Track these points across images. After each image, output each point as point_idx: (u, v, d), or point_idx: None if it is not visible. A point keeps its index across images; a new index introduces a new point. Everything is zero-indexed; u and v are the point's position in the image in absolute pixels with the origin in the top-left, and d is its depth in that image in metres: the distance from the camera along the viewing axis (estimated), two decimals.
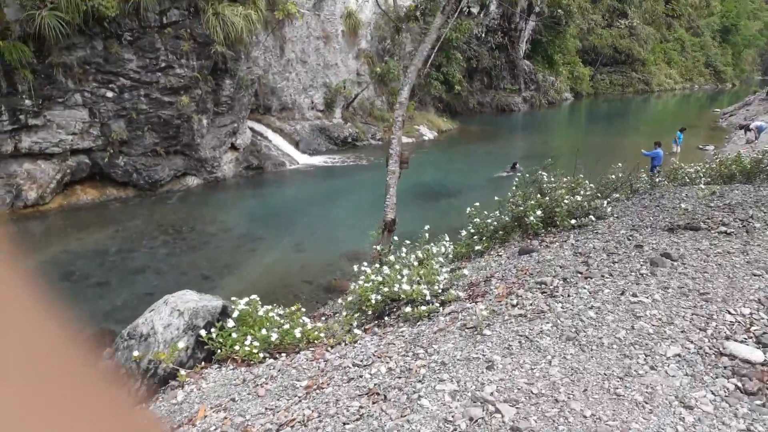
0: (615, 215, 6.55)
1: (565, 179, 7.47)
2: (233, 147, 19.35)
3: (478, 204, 7.42)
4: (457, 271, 5.56)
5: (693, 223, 5.46)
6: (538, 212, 6.24)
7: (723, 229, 5.15)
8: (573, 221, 6.22)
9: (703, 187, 6.90)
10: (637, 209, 6.74)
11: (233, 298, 4.53)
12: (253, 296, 4.60)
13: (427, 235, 5.85)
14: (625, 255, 4.63)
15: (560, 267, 4.58)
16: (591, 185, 7.37)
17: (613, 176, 8.32)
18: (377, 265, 5.45)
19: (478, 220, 6.92)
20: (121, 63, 15.19)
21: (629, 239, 5.23)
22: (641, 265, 4.28)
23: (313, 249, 13.42)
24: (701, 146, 24.78)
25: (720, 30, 77.52)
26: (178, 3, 15.78)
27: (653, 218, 6.15)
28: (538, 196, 6.62)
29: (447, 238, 9.84)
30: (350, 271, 11.73)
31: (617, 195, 7.76)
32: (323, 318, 6.35)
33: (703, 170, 10.09)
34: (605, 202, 6.77)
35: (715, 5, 78.99)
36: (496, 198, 7.24)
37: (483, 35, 38.80)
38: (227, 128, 18.47)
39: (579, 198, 6.44)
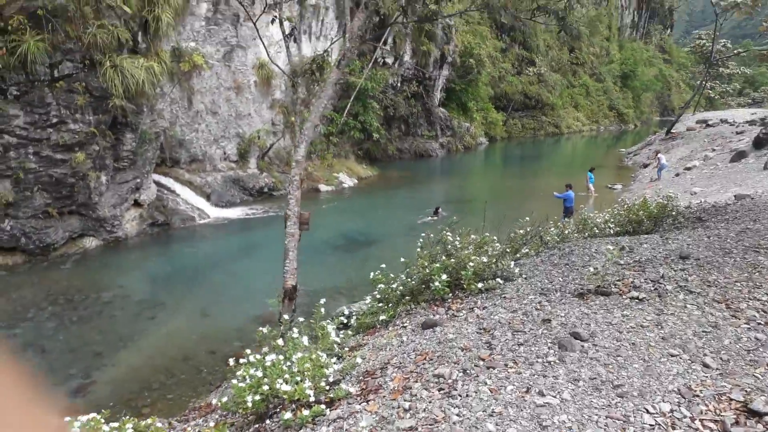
0: (524, 275, 6.30)
1: (472, 236, 7.20)
2: (136, 203, 18.21)
3: (384, 266, 6.99)
4: (355, 352, 5.05)
5: (603, 287, 5.24)
6: (444, 276, 5.88)
7: (634, 294, 4.94)
8: (480, 284, 5.90)
9: (611, 248, 6.78)
10: (546, 268, 6.53)
11: (67, 419, 3.74)
12: (93, 414, 3.82)
13: (322, 310, 5.31)
14: (532, 334, 4.26)
15: (462, 349, 4.15)
16: (497, 244, 7.14)
17: (522, 231, 8.14)
18: (265, 350, 4.86)
19: (382, 285, 6.45)
20: (6, 119, 13.98)
21: (537, 309, 4.92)
22: (549, 348, 3.89)
23: (221, 313, 12.51)
24: (610, 185, 25.82)
25: (620, 76, 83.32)
26: (71, 55, 14.84)
27: (563, 279, 5.93)
28: (444, 258, 6.27)
29: (346, 311, 9.33)
30: (255, 338, 11.05)
31: (527, 250, 7.57)
32: (203, 418, 5.60)
33: (612, 219, 10.20)
34: (512, 263, 6.50)
35: (614, 54, 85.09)
36: (402, 260, 6.83)
37: (399, 84, 39.48)
38: (129, 184, 17.38)
39: (485, 259, 6.14)
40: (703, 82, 46.51)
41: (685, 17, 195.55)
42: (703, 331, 3.99)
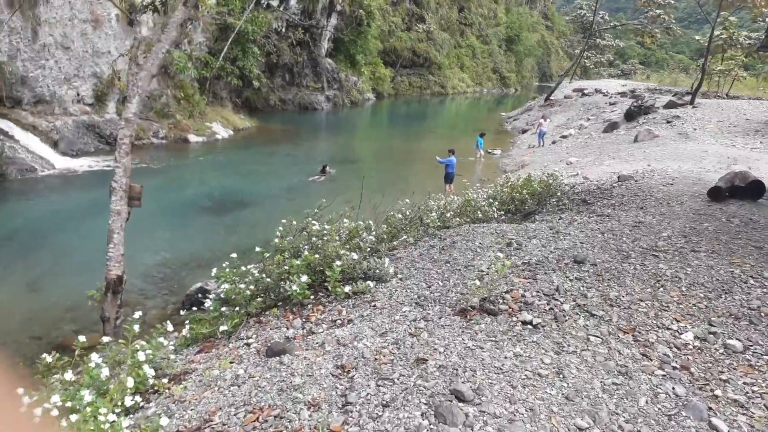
0: (399, 275, 5.38)
1: (345, 222, 6.17)
2: None
3: (235, 256, 5.74)
4: (175, 387, 3.86)
5: (490, 301, 4.38)
6: (304, 278, 4.81)
7: (527, 317, 4.13)
8: (347, 288, 4.89)
9: (497, 251, 6.01)
10: (425, 265, 5.66)
11: None
12: None
13: (136, 327, 4.02)
14: (402, 386, 3.20)
15: (308, 407, 3.09)
16: (372, 233, 6.16)
17: (400, 215, 7.21)
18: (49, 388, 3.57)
19: (228, 285, 5.19)
20: None
21: (412, 333, 3.97)
22: (423, 417, 2.85)
23: (54, 288, 10.61)
24: (490, 150, 25.88)
25: (505, 39, 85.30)
26: None
27: (442, 283, 5.08)
28: (306, 252, 5.17)
29: (212, 288, 8.01)
30: (95, 318, 9.42)
31: (405, 236, 6.68)
32: None
33: (495, 196, 9.62)
34: (386, 260, 5.52)
35: (501, 17, 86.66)
36: (257, 248, 5.62)
37: (283, 30, 37.08)
38: None
39: (356, 256, 5.14)
40: (582, 51, 48.31)
41: None
42: (613, 384, 3.25)
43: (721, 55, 37.70)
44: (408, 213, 7.24)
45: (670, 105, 27.12)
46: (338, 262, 4.89)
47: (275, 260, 5.17)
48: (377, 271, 5.17)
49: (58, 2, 20.13)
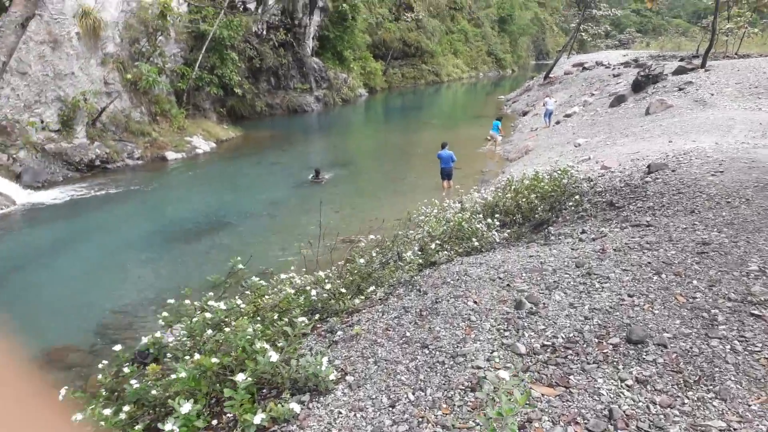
0: (351, 376, 3.59)
1: (292, 278, 4.50)
2: None
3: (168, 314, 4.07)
4: None
5: None
6: (186, 407, 3.00)
7: None
8: (259, 418, 3.11)
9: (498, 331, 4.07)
10: (390, 350, 3.83)
11: None
12: None
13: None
14: None
15: None
16: (324, 293, 4.47)
17: (364, 259, 5.36)
18: None
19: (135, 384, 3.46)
20: None
21: None
22: None
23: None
24: (488, 138, 24.00)
25: (497, 20, 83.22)
26: None
27: (414, 397, 3.19)
28: (197, 354, 3.44)
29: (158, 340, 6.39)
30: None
31: (373, 288, 4.90)
32: None
33: (497, 202, 7.86)
34: (325, 360, 3.57)
35: None
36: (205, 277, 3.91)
37: (264, 32, 35.40)
38: None
39: (273, 356, 3.34)
40: (579, 24, 46.29)
41: None
42: None
43: (728, 12, 35.54)
44: (375, 255, 5.40)
45: (679, 71, 25.14)
46: (240, 376, 3.12)
47: (148, 371, 3.47)
48: (313, 376, 3.38)
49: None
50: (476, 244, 6.09)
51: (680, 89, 21.48)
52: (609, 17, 54.64)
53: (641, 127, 16.80)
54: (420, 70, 61.61)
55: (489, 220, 6.72)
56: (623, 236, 5.98)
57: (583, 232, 6.73)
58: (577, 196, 8.04)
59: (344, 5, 42.30)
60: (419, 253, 5.52)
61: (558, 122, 24.47)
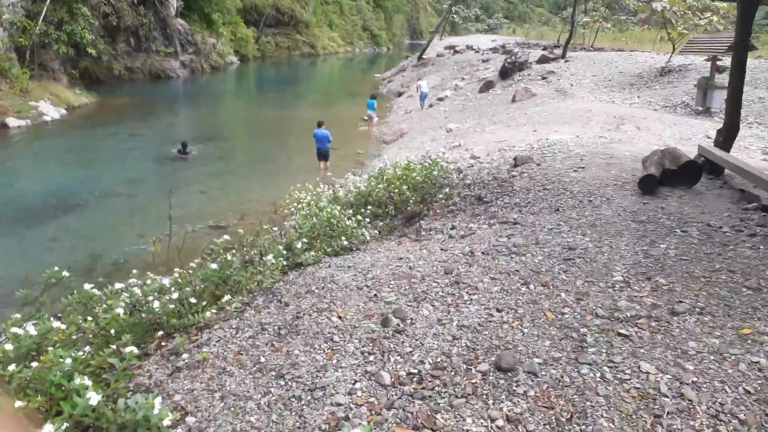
0: (194, 418, 3.13)
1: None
2: None
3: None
4: None
5: None
6: None
7: None
8: None
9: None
10: (240, 382, 3.30)
11: None
12: None
13: None
14: None
15: None
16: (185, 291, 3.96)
17: (213, 266, 4.73)
18: None
19: None
20: None
21: None
22: None
23: None
24: (366, 117, 23.73)
25: None
26: None
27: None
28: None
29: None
30: None
31: (229, 297, 4.43)
32: None
33: (370, 191, 7.65)
34: (158, 400, 2.88)
35: None
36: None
37: None
38: None
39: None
40: (450, 7, 47.40)
41: None
42: None
43: (584, 6, 38.11)
44: (232, 257, 4.91)
45: (542, 60, 26.58)
46: (49, 427, 2.50)
47: None
48: (143, 421, 2.82)
49: None
50: (346, 243, 5.84)
51: (543, 78, 22.67)
52: (479, 1, 56.56)
53: (508, 115, 17.47)
54: (295, 41, 59.99)
55: (359, 217, 6.50)
56: (491, 234, 6.01)
57: (453, 228, 6.73)
58: (447, 189, 8.06)
59: None
60: (284, 252, 5.14)
61: (431, 105, 24.85)
